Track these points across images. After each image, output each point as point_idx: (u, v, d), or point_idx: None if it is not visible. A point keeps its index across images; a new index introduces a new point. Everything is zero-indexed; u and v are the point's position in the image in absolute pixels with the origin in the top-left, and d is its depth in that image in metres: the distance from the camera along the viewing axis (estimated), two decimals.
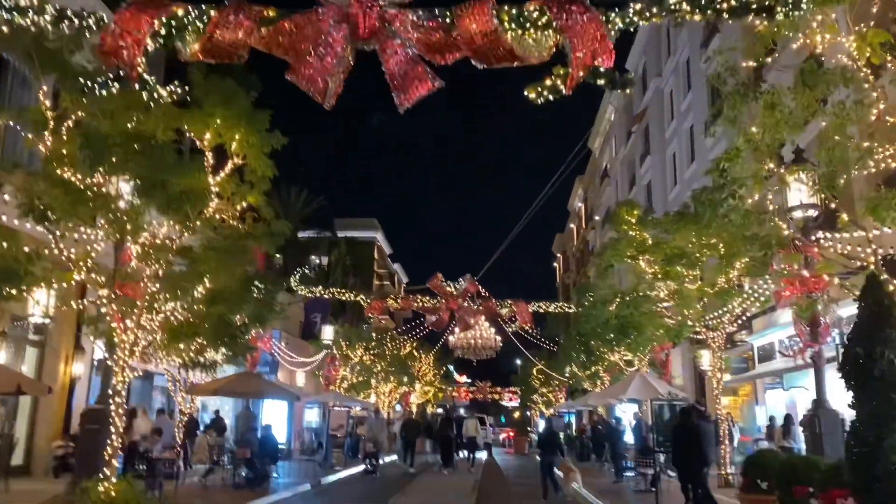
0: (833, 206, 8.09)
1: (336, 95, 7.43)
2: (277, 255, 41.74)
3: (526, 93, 6.78)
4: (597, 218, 52.55)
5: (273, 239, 11.52)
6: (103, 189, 10.31)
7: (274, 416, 27.67)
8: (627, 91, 7.35)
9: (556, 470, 15.97)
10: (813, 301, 9.66)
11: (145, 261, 10.83)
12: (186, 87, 7.72)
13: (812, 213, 11.77)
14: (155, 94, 7.19)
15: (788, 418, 17.98)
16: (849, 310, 13.58)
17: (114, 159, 10.06)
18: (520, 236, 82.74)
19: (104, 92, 7.44)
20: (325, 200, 53.69)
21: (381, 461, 20.97)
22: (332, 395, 27.40)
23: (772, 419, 20.80)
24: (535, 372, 52.94)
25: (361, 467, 24.21)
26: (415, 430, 26.89)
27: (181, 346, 13.17)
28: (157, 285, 11.01)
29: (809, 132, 9.19)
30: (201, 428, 21.51)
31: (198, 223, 10.89)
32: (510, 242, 66.40)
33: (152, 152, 9.87)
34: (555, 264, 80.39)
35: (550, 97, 6.71)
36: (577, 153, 39.05)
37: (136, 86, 7.06)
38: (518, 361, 65.44)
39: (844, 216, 7.81)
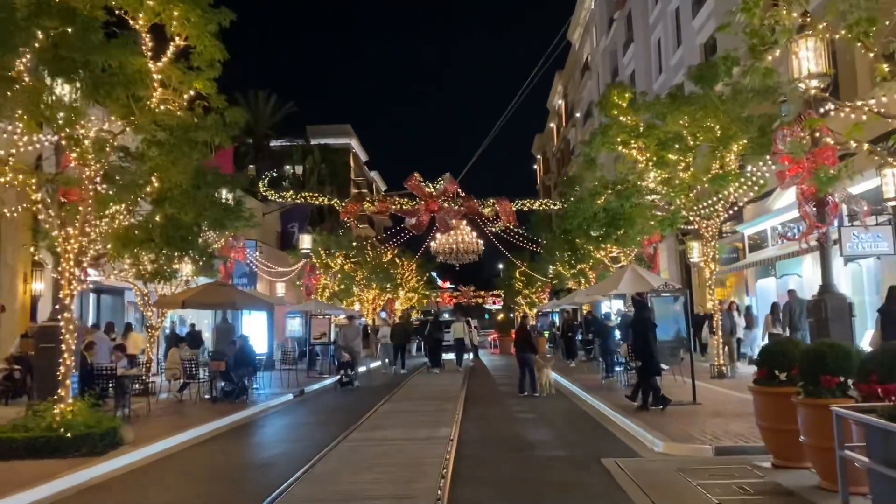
0: (871, 54, 6.96)
1: None
2: (251, 166, 40.25)
3: None
4: (578, 115, 51.03)
5: (227, 129, 10.22)
6: (25, 77, 8.93)
7: (254, 327, 27.03)
8: None
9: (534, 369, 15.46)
10: (836, 174, 8.72)
11: (84, 159, 9.61)
12: None
13: (821, 83, 10.78)
14: None
15: (775, 306, 17.49)
16: (867, 184, 12.70)
17: (36, 45, 8.70)
18: (499, 140, 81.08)
19: None
20: (295, 106, 51.77)
21: (358, 370, 19.59)
22: (314, 304, 26.69)
23: (748, 308, 20.49)
24: (517, 274, 52.81)
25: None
26: (403, 334, 27.34)
27: (142, 255, 12.09)
28: (101, 186, 9.85)
29: None
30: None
31: (140, 115, 9.61)
32: (490, 146, 64.81)
33: (73, 29, 8.43)
34: (535, 166, 79.06)
35: None
36: (556, 46, 37.20)
37: None
38: (500, 266, 65.29)
39: (884, 67, 6.71)
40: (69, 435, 8.92)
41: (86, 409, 9.63)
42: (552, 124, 66.56)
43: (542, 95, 65.29)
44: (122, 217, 10.23)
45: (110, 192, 10.11)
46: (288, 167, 51.22)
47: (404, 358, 26.79)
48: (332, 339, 26.65)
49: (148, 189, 9.75)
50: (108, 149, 9.67)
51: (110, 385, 12.11)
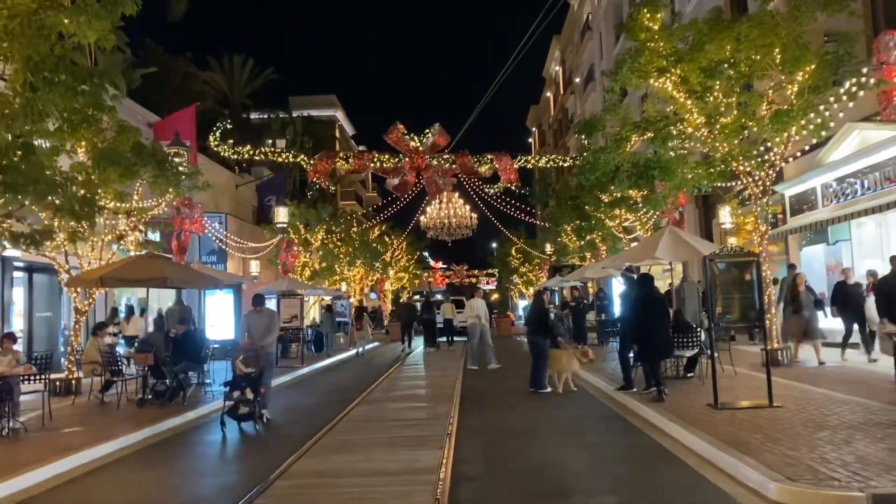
0: None
1: None
2: (230, 140, 36.87)
3: None
4: (577, 80, 47.64)
5: (103, 16, 6.86)
6: None
7: (220, 310, 23.82)
8: None
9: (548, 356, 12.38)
10: None
11: None
12: None
13: None
14: None
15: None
16: None
17: None
18: (491, 113, 77.72)
19: None
20: (274, 73, 48.04)
21: (271, 390, 10.94)
22: (286, 283, 23.41)
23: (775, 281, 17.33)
24: (513, 251, 49.86)
25: (326, 362, 20.68)
26: (411, 312, 26.95)
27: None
28: None
29: None
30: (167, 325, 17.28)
31: None
32: (482, 120, 61.39)
33: None
34: (529, 140, 75.67)
35: None
36: (552, 6, 33.61)
37: None
38: (494, 244, 62.12)
39: None
40: None
41: None
42: (549, 93, 63.17)
43: (536, 67, 61.77)
44: None
45: None
46: (268, 140, 47.79)
47: (411, 337, 25.91)
48: (314, 323, 22.91)
49: None
50: None
51: None
